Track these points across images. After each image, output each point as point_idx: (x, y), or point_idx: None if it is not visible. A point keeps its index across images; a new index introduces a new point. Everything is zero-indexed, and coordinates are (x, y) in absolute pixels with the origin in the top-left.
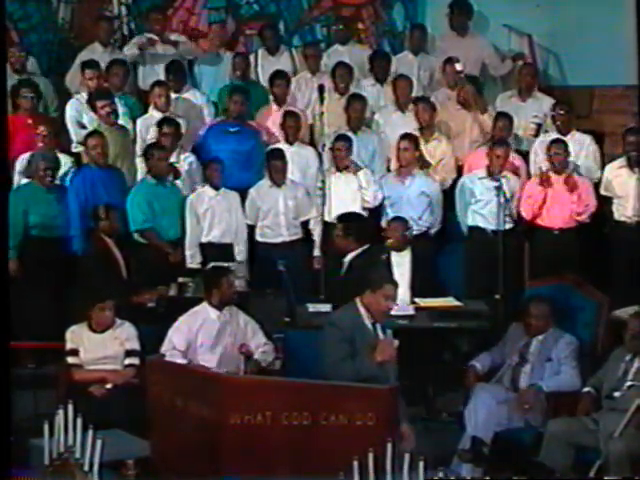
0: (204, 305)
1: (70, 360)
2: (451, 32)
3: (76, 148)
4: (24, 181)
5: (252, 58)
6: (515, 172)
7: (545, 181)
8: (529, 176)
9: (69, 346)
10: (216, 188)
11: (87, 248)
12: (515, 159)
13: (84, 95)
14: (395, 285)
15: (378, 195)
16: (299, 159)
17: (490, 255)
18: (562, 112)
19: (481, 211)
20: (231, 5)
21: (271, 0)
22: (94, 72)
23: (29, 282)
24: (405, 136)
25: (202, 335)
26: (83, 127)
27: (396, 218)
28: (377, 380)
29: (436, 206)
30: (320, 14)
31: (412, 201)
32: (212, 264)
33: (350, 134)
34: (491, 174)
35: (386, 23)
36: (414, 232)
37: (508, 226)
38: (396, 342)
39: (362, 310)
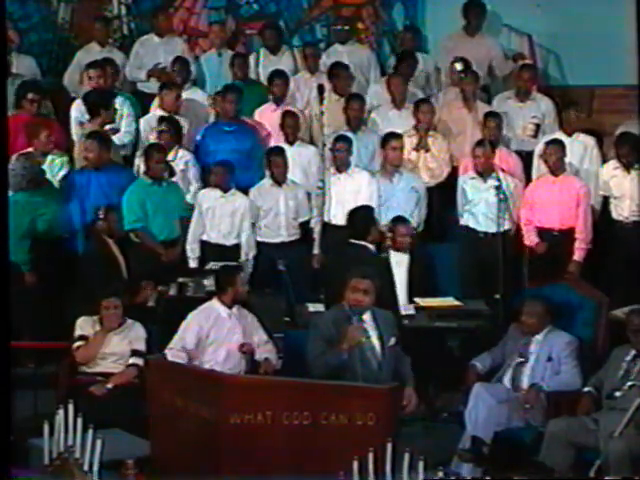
0: (213, 303)
1: (77, 344)
2: (459, 31)
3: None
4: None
5: (252, 58)
6: (510, 173)
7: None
8: (528, 177)
9: (78, 333)
10: (224, 190)
11: (88, 248)
12: (510, 159)
13: None
14: (362, 277)
15: (374, 196)
16: (300, 159)
17: (480, 255)
18: (573, 112)
19: (471, 211)
20: (231, 5)
21: (271, 0)
22: (97, 72)
23: (36, 284)
24: (395, 135)
25: (214, 333)
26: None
27: (399, 219)
28: (345, 369)
29: (423, 203)
30: (320, 14)
31: (404, 198)
32: (217, 264)
33: (350, 134)
34: (481, 174)
35: (386, 23)
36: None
37: (505, 227)
38: (360, 327)
39: (347, 307)
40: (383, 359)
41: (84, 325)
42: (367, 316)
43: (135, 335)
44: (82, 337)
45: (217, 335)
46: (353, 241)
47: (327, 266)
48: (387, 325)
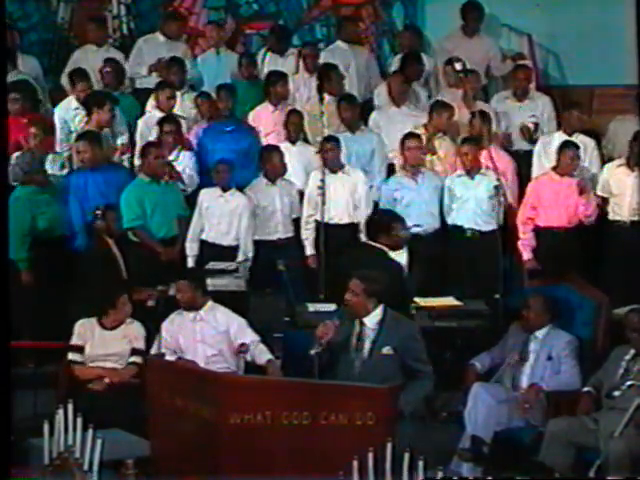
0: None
1: (71, 356)
2: (457, 32)
3: (61, 149)
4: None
5: (259, 57)
6: (503, 171)
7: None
8: (521, 176)
9: (75, 341)
10: (224, 189)
11: (88, 248)
12: (503, 158)
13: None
14: (355, 277)
15: (370, 203)
16: (301, 158)
17: (470, 253)
18: (569, 113)
19: (461, 208)
20: (231, 5)
21: (271, 0)
22: (83, 83)
23: (35, 284)
24: (411, 135)
25: (183, 336)
26: (70, 131)
27: (396, 218)
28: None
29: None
30: (320, 14)
31: (429, 196)
32: (216, 264)
33: (342, 134)
34: (468, 172)
35: (386, 23)
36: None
37: (491, 227)
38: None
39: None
40: (366, 367)
41: (82, 330)
42: (371, 321)
43: (135, 334)
44: (77, 348)
45: (185, 338)
46: (369, 242)
47: (337, 265)
48: (394, 333)
